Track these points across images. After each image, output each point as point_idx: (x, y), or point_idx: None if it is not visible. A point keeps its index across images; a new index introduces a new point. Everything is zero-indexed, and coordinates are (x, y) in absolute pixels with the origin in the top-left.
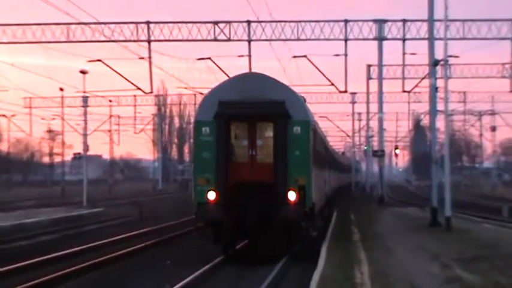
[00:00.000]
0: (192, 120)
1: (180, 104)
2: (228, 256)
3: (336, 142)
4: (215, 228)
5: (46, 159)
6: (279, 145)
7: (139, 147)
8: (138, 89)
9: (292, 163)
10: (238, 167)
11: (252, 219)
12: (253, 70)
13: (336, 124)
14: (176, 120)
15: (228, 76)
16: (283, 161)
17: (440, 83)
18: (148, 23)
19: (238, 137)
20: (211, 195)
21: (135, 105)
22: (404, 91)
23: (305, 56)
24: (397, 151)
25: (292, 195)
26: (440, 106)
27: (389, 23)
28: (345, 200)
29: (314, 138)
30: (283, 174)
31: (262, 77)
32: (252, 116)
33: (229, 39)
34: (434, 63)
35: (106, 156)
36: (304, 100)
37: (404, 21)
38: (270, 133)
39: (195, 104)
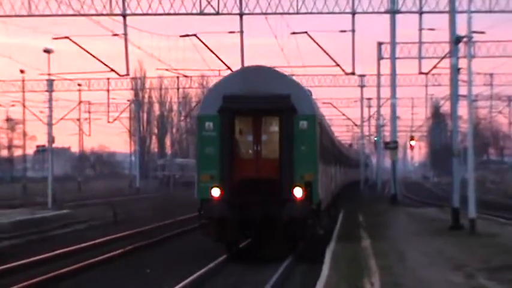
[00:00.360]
0: (196, 114)
1: (160, 89)
2: (232, 255)
3: (342, 132)
4: (219, 226)
5: (4, 153)
6: (285, 140)
7: (114, 138)
8: (112, 70)
9: (299, 159)
10: (242, 163)
11: (257, 216)
12: (245, 48)
13: (342, 111)
14: (156, 107)
15: (216, 55)
16: (289, 156)
17: (462, 63)
18: None
19: (242, 132)
20: (216, 192)
21: (108, 90)
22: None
23: (306, 33)
24: (413, 143)
25: (298, 192)
26: (462, 90)
27: None
28: (353, 199)
29: (321, 132)
30: (289, 170)
31: (267, 70)
32: (257, 110)
33: (217, 13)
34: (456, 40)
35: (75, 149)
36: (311, 93)
37: None
38: (275, 128)
39: (178, 89)
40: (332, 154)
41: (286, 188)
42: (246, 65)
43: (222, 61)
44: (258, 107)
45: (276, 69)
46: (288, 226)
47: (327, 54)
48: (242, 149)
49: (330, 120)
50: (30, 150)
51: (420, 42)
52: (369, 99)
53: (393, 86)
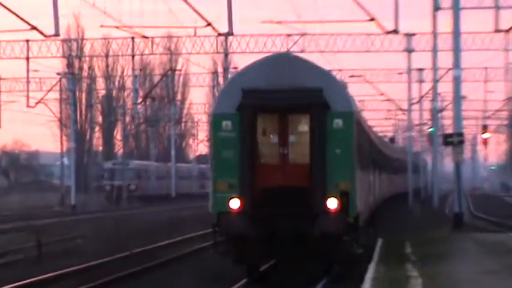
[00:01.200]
0: (211, 111)
1: (106, 56)
2: (253, 279)
3: (379, 120)
4: (238, 244)
5: None
6: (317, 142)
7: (36, 130)
8: (34, 29)
9: (333, 164)
10: (266, 170)
11: (283, 232)
12: None
13: (380, 89)
14: (100, 84)
15: (191, 5)
16: (322, 161)
17: None
18: None
19: (266, 133)
20: (235, 204)
21: (27, 58)
22: (497, 31)
23: None
24: (486, 135)
25: (332, 203)
26: None
27: None
28: (397, 218)
29: (358, 132)
30: (322, 178)
31: (295, 60)
32: (283, 106)
33: None
34: None
35: None
36: (346, 86)
37: None
38: (305, 127)
39: (132, 56)
40: (370, 157)
41: (318, 198)
42: (233, 21)
43: (198, 13)
44: (285, 102)
45: (307, 58)
46: (321, 244)
47: (358, 3)
48: (266, 152)
49: (361, 103)
50: None
51: None
52: (420, 70)
53: (456, 50)
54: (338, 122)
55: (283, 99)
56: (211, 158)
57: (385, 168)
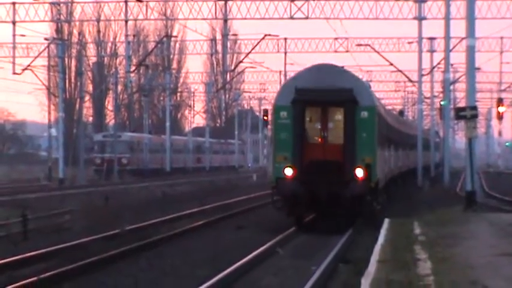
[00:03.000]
0: (273, 104)
1: (98, 20)
2: (299, 226)
3: (388, 93)
4: (290, 201)
5: None
6: (348, 128)
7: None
8: None
9: (360, 144)
10: (311, 147)
11: (323, 193)
12: None
13: (389, 59)
14: (91, 51)
15: None
16: (352, 142)
17: None
18: None
19: (312, 120)
20: (289, 172)
21: (13, 22)
22: None
23: None
24: (502, 109)
25: (360, 172)
26: None
27: None
28: (405, 197)
29: (379, 121)
30: (352, 154)
31: (333, 68)
32: (324, 102)
33: None
34: None
35: None
36: (369, 86)
37: None
38: (339, 117)
39: (126, 21)
40: (388, 137)
41: (349, 169)
42: None
43: None
44: (325, 99)
45: (342, 66)
46: (350, 202)
47: None
48: (311, 134)
49: (369, 73)
50: None
51: None
52: (432, 39)
53: (470, 18)
54: (364, 114)
55: (324, 96)
56: (271, 138)
57: (400, 145)
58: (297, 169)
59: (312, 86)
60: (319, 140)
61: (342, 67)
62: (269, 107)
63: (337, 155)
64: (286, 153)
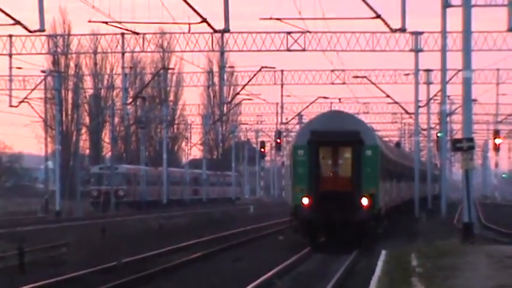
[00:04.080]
0: (292, 144)
1: (95, 53)
2: (313, 247)
3: (385, 124)
4: (307, 226)
5: None
6: (355, 164)
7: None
8: (18, 23)
9: (365, 177)
10: (324, 180)
11: (335, 219)
12: None
13: (385, 91)
14: (88, 83)
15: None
16: (359, 175)
17: None
18: None
19: (324, 158)
20: (305, 201)
21: (10, 55)
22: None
23: None
24: (498, 141)
25: (365, 201)
26: None
27: None
28: (403, 228)
29: (381, 157)
30: (359, 186)
31: (342, 113)
32: (335, 142)
33: None
34: None
35: None
36: (373, 129)
37: None
38: (348, 155)
39: (122, 53)
40: (389, 171)
41: (356, 198)
42: (230, 17)
43: (193, 9)
44: (336, 139)
45: (349, 112)
46: (357, 226)
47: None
48: (324, 169)
49: (365, 105)
50: None
51: None
52: (428, 71)
53: (467, 50)
54: (368, 152)
55: (335, 137)
56: (290, 172)
57: (402, 177)
58: (312, 198)
59: (325, 128)
60: (331, 174)
61: (350, 113)
62: (266, 139)
63: (346, 186)
64: (303, 185)
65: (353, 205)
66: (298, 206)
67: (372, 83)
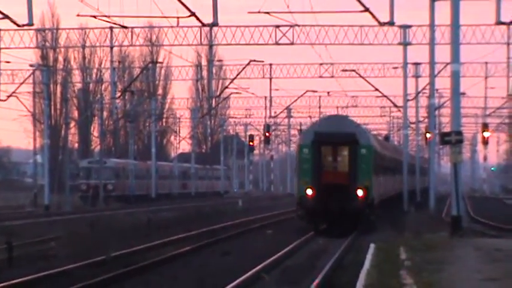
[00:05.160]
0: (298, 143)
1: (83, 47)
2: (317, 232)
3: (374, 118)
4: (311, 214)
5: None
6: (352, 160)
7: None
8: (6, 17)
9: (360, 172)
10: (326, 174)
11: (334, 208)
12: None
13: (374, 84)
14: (76, 77)
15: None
16: (355, 170)
17: None
18: None
19: (326, 155)
20: (309, 191)
21: None
22: (499, 23)
23: None
24: (487, 134)
25: (360, 192)
26: None
27: None
28: (391, 221)
29: (374, 155)
30: (355, 179)
31: (341, 117)
32: (335, 142)
33: None
34: None
35: None
36: (368, 131)
37: None
38: (345, 153)
39: (111, 47)
40: (382, 166)
41: (353, 190)
42: (218, 11)
43: (181, 3)
44: (335, 140)
45: (347, 116)
46: (353, 214)
47: None
48: (325, 165)
49: (354, 99)
50: None
51: None
52: (417, 64)
53: (455, 44)
54: (363, 151)
55: (334, 138)
56: (296, 167)
57: (395, 171)
58: (315, 190)
59: (326, 130)
60: (331, 169)
61: (348, 116)
62: (254, 133)
63: (344, 179)
64: (308, 178)
65: (350, 196)
66: (303, 197)
67: (361, 77)
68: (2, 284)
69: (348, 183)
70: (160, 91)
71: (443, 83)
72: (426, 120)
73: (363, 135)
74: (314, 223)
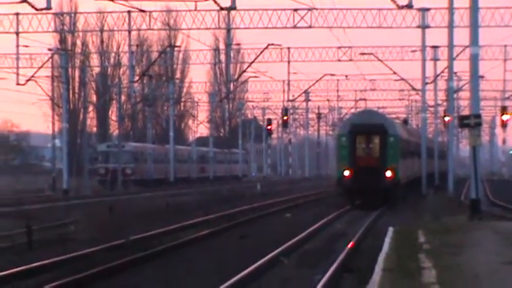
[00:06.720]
0: (337, 133)
1: (101, 31)
2: (353, 206)
3: (392, 101)
4: (348, 191)
5: None
6: (382, 147)
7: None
8: (25, 1)
9: (389, 156)
10: (360, 158)
11: (367, 187)
12: None
13: (392, 68)
14: (94, 61)
15: None
16: (384, 155)
17: None
18: None
19: (360, 142)
20: (346, 173)
21: (17, 33)
22: None
23: None
24: (506, 117)
25: (389, 173)
26: None
27: None
28: (410, 205)
29: (401, 142)
30: (384, 162)
31: (373, 111)
32: (367, 132)
33: None
34: None
35: None
36: (395, 122)
37: None
38: (376, 141)
39: (129, 31)
40: (407, 151)
41: (383, 171)
42: None
43: None
44: (368, 130)
45: (378, 110)
46: (383, 192)
47: None
48: (359, 151)
49: (372, 82)
50: None
51: None
52: (435, 47)
53: (474, 27)
54: (391, 139)
55: (367, 128)
56: (336, 153)
57: (418, 155)
58: (352, 171)
59: (360, 122)
60: (365, 154)
61: (378, 111)
62: (272, 117)
63: (375, 163)
64: (345, 162)
65: (380, 176)
66: (341, 178)
67: (379, 60)
68: (22, 267)
69: (378, 166)
70: (178, 75)
71: (461, 66)
72: (445, 103)
73: (391, 126)
74: (350, 199)
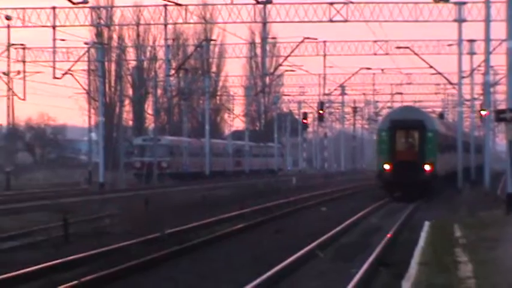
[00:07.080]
0: (378, 128)
1: (137, 25)
2: (393, 198)
3: (428, 95)
4: (388, 184)
5: None
6: (421, 142)
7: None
8: None
9: (427, 151)
10: (399, 152)
11: (407, 180)
12: None
13: (428, 62)
14: (131, 55)
15: None
16: (423, 149)
17: None
18: None
19: (400, 137)
20: (387, 166)
21: (54, 27)
22: None
23: None
24: None
25: (427, 167)
26: None
27: None
28: (446, 199)
29: (439, 137)
30: (423, 156)
31: (412, 107)
32: (407, 127)
33: None
34: None
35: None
36: (433, 117)
37: None
38: (416, 136)
39: (165, 25)
40: (445, 146)
41: (421, 165)
42: None
43: None
44: (407, 125)
45: (417, 107)
46: (422, 185)
47: None
48: (399, 145)
49: (408, 76)
50: None
51: None
52: (472, 41)
53: (511, 20)
54: (430, 134)
55: (407, 124)
56: (376, 147)
57: (455, 149)
58: (392, 165)
59: (400, 118)
60: (404, 148)
61: (418, 107)
62: (308, 111)
63: (414, 157)
64: (385, 156)
65: (419, 170)
66: (381, 171)
67: (415, 54)
68: (59, 260)
69: (417, 160)
70: (214, 69)
71: (498, 60)
72: (481, 97)
73: (430, 121)
74: (390, 191)
